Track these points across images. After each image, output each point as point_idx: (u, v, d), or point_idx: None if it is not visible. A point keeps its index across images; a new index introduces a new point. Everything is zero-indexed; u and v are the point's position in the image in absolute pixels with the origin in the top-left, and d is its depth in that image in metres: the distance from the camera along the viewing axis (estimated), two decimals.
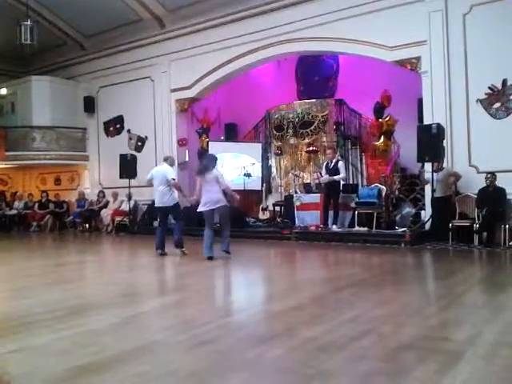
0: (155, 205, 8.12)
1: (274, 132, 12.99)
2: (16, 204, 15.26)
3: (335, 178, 10.03)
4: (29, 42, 11.90)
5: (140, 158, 13.41)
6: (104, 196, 14.50)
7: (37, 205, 15.10)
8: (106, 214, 13.85)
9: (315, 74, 14.12)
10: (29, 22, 11.92)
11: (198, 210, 7.50)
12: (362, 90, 11.87)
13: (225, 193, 7.45)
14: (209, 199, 7.27)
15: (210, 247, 7.30)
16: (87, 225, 14.39)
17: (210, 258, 7.20)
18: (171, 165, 8.22)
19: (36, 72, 16.04)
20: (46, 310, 4.22)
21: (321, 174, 10.75)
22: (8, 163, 15.43)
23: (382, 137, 11.20)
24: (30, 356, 3.03)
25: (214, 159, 7.59)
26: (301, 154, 12.47)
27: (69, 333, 3.49)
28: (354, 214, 10.13)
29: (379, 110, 11.15)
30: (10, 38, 12.80)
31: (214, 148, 12.92)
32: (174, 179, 7.91)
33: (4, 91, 15.98)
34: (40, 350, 3.15)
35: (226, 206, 7.38)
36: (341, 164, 10.21)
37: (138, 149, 14.31)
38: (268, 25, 11.62)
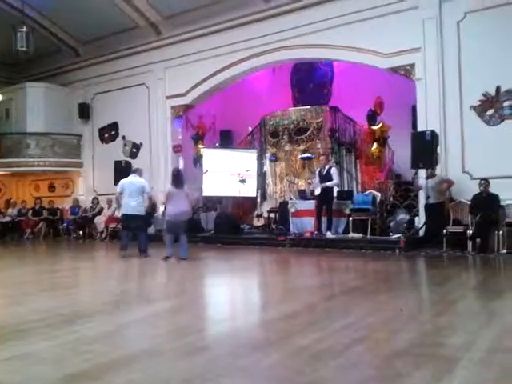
0: (126, 213, 8.63)
1: (269, 139, 13.00)
2: (9, 211, 15.16)
3: (328, 184, 10.04)
4: (24, 48, 11.92)
5: (135, 164, 13.34)
6: (98, 203, 14.44)
7: (30, 212, 15.02)
8: (99, 220, 13.78)
9: (310, 81, 14.18)
10: (24, 29, 11.94)
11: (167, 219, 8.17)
12: (357, 96, 11.92)
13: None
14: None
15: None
16: (81, 232, 14.31)
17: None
18: (141, 176, 8.92)
19: (31, 78, 15.99)
20: (38, 317, 4.18)
21: (309, 183, 10.83)
22: (2, 170, 15.37)
23: (375, 143, 11.25)
24: (22, 364, 3.00)
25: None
26: (296, 161, 12.49)
27: (62, 340, 3.46)
28: (348, 220, 10.13)
29: (372, 116, 11.21)
30: (5, 45, 12.81)
31: (209, 155, 12.94)
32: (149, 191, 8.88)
33: None
34: (33, 357, 3.12)
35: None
36: (333, 170, 10.23)
37: (133, 155, 14.28)
38: (263, 32, 11.66)
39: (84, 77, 15.44)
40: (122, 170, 12.68)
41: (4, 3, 13.48)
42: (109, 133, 14.99)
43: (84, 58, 15.29)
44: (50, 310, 4.49)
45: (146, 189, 8.70)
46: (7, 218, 14.92)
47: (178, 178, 8.19)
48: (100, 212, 14.14)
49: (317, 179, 10.31)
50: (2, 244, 13.24)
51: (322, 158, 10.75)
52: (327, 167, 10.28)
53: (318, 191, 10.16)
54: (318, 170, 10.52)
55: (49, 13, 13.98)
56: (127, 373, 2.79)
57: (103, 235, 13.49)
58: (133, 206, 8.54)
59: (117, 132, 14.80)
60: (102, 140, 15.18)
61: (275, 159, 12.90)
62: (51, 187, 16.57)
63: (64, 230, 14.88)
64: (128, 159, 13.64)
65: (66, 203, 15.50)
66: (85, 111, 15.36)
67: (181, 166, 13.83)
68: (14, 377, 2.78)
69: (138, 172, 8.98)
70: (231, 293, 5.95)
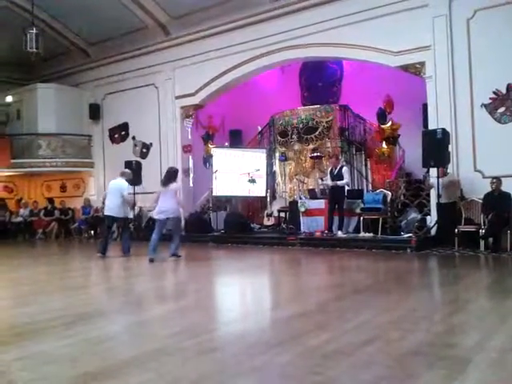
0: (105, 213, 8.99)
1: (279, 138, 12.99)
2: (21, 211, 15.29)
3: (338, 183, 10.01)
4: (34, 49, 11.99)
5: (145, 164, 13.43)
6: None
7: (42, 212, 15.14)
8: None
9: (319, 79, 14.16)
10: (34, 30, 12.01)
11: (154, 217, 8.35)
12: (367, 95, 11.88)
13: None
14: (165, 208, 7.99)
15: (154, 250, 8.03)
16: (93, 231, 14.41)
17: (152, 260, 7.89)
18: (128, 180, 9.07)
19: (41, 80, 16.14)
20: (50, 317, 4.21)
21: (321, 179, 10.83)
22: (13, 171, 15.49)
23: (384, 142, 11.21)
24: (34, 363, 3.02)
25: (175, 173, 8.38)
26: (305, 160, 12.46)
27: (73, 340, 3.49)
28: (359, 219, 10.09)
29: (382, 115, 11.17)
30: (15, 46, 12.91)
31: (219, 154, 12.96)
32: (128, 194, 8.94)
33: (10, 99, 16.08)
34: (45, 357, 3.13)
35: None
36: (345, 170, 10.21)
37: (143, 155, 14.35)
38: (272, 31, 11.66)
39: (94, 77, 15.55)
40: (132, 171, 12.74)
41: (14, 5, 13.61)
42: (119, 133, 15.07)
43: (94, 59, 15.39)
44: (62, 310, 4.52)
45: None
46: (19, 219, 15.05)
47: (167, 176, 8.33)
48: None
49: (329, 178, 10.30)
50: (14, 244, 13.35)
51: (332, 160, 10.75)
52: (339, 166, 10.26)
53: (330, 183, 10.15)
54: (330, 169, 10.51)
55: (58, 14, 14.07)
56: (140, 372, 2.79)
57: (114, 235, 13.55)
58: (110, 207, 8.81)
59: (127, 132, 14.87)
60: (113, 140, 15.27)
61: (285, 159, 12.89)
62: (63, 187, 16.70)
63: (76, 229, 14.99)
64: (138, 159, 13.69)
65: (78, 203, 15.61)
66: (95, 112, 15.47)
67: (190, 165, 13.90)
68: (26, 376, 2.80)
69: (126, 175, 9.18)
70: (242, 292, 5.95)
